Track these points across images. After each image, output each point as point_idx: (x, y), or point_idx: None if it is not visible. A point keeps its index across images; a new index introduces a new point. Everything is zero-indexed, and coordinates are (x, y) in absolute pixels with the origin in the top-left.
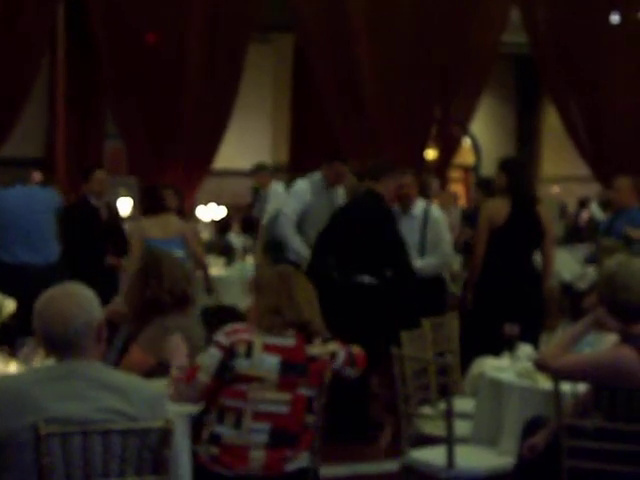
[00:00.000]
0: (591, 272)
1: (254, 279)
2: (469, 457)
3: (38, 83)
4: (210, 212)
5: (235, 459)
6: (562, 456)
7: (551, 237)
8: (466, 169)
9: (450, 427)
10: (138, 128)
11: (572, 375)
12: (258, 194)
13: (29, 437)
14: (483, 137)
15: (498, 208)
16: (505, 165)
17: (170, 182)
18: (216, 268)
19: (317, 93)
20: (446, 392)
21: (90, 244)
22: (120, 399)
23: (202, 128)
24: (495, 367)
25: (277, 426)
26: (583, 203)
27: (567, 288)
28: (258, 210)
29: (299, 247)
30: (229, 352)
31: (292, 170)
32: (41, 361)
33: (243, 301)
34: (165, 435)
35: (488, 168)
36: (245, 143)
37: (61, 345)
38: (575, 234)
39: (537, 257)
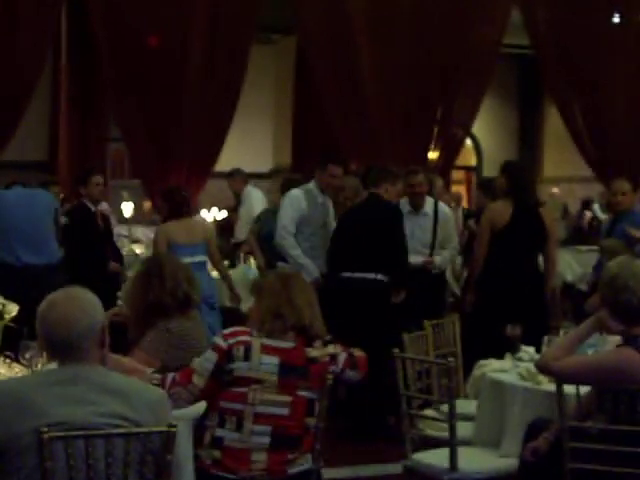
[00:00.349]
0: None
1: (255, 283)
2: (472, 459)
3: (41, 85)
4: (213, 214)
5: (237, 462)
6: (565, 458)
7: (554, 239)
8: (468, 170)
9: (452, 429)
10: (140, 130)
11: (574, 377)
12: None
13: (32, 441)
14: (485, 138)
15: (500, 210)
16: (506, 168)
17: (173, 185)
18: None
19: (319, 94)
20: (448, 394)
21: (91, 248)
22: (122, 403)
23: (204, 130)
24: (497, 369)
25: (278, 428)
26: (586, 204)
27: (569, 289)
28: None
29: (304, 262)
30: (226, 355)
31: (295, 172)
32: (44, 365)
33: (246, 303)
34: (167, 439)
35: (490, 169)
36: (247, 145)
37: (64, 349)
38: (577, 235)
39: (541, 259)
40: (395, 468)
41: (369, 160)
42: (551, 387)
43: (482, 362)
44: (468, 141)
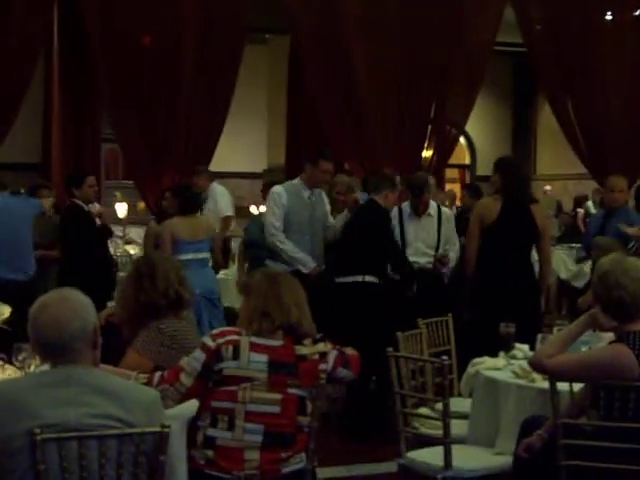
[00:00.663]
0: (587, 271)
1: (243, 282)
2: (466, 457)
3: (33, 87)
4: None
5: (230, 462)
6: (559, 455)
7: (548, 236)
8: (462, 168)
9: (447, 427)
10: (133, 131)
11: (567, 374)
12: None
13: (25, 443)
14: (479, 136)
15: (489, 206)
16: (499, 165)
17: (167, 185)
18: None
19: (313, 93)
20: (442, 392)
21: (88, 247)
22: (116, 405)
23: (198, 130)
24: (491, 367)
25: (270, 426)
26: (578, 202)
27: (564, 286)
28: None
29: (297, 255)
30: (215, 355)
31: (289, 171)
32: (37, 367)
33: (239, 302)
34: (161, 440)
35: (484, 167)
36: (241, 145)
37: (56, 350)
38: (571, 233)
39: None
40: (390, 467)
41: (363, 159)
42: (545, 384)
43: (476, 360)
44: (462, 139)
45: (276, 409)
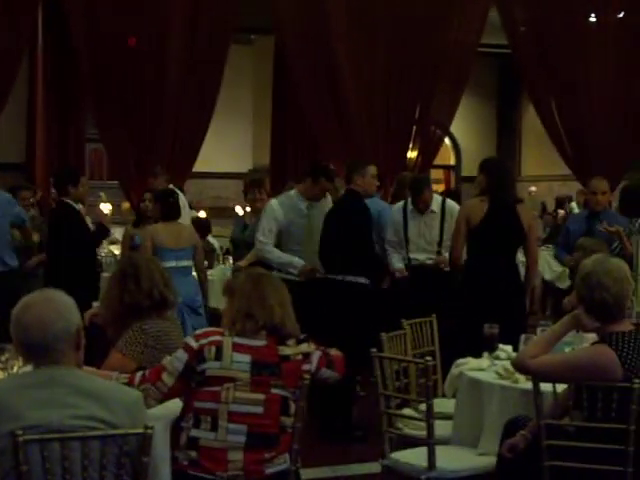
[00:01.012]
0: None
1: (227, 283)
2: (450, 458)
3: (17, 86)
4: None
5: (214, 462)
6: (542, 456)
7: (534, 237)
8: (447, 169)
9: (430, 428)
10: (118, 131)
11: (551, 375)
12: None
13: (7, 444)
14: (464, 137)
15: (475, 207)
16: (484, 166)
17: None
18: None
19: (298, 94)
20: (426, 393)
21: (80, 248)
22: (99, 406)
23: (183, 130)
24: (475, 367)
25: (253, 427)
26: (560, 203)
27: (548, 287)
28: None
29: (285, 259)
30: (197, 355)
31: (274, 171)
32: (20, 368)
33: (224, 303)
34: (144, 441)
35: (469, 168)
36: (226, 145)
37: (39, 351)
38: (556, 234)
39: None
40: (374, 467)
41: (348, 159)
42: (528, 385)
43: (460, 361)
44: (447, 140)
45: (259, 409)
